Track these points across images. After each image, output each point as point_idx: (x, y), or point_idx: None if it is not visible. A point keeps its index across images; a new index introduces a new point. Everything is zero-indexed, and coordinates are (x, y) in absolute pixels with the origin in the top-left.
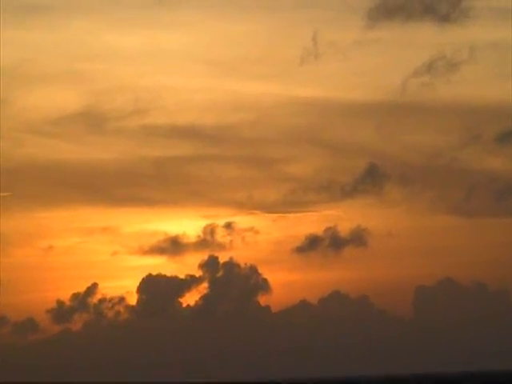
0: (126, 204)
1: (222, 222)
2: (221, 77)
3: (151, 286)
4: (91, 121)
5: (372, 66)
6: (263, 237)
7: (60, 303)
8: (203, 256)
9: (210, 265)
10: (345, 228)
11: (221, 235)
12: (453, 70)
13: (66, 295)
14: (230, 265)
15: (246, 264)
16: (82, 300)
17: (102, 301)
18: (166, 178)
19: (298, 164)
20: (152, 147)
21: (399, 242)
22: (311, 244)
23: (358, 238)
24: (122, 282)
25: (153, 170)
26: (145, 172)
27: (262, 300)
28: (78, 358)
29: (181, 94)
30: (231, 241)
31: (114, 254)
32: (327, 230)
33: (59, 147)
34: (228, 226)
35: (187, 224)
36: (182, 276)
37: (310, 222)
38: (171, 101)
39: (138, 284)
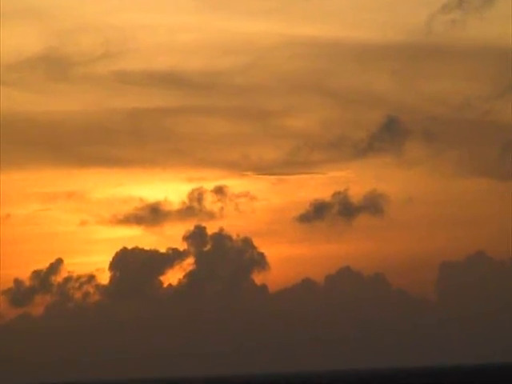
0: (95, 164)
1: (210, 185)
2: (208, 12)
3: (126, 261)
4: (53, 66)
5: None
6: (259, 204)
7: (18, 283)
8: (188, 226)
9: (197, 237)
10: (357, 193)
11: (209, 201)
12: (487, 6)
13: (25, 273)
14: (220, 237)
15: (238, 236)
16: (44, 279)
17: (67, 280)
18: (143, 134)
19: (300, 117)
20: (125, 97)
21: (421, 210)
22: (317, 212)
23: (373, 205)
24: (91, 257)
25: (127, 124)
26: (117, 127)
27: (258, 278)
28: (39, 347)
29: (160, 33)
30: (222, 208)
31: (81, 224)
32: (336, 194)
33: (15, 97)
34: (218, 190)
35: (169, 188)
36: (162, 250)
37: (316, 186)
38: (148, 42)
39: (110, 260)
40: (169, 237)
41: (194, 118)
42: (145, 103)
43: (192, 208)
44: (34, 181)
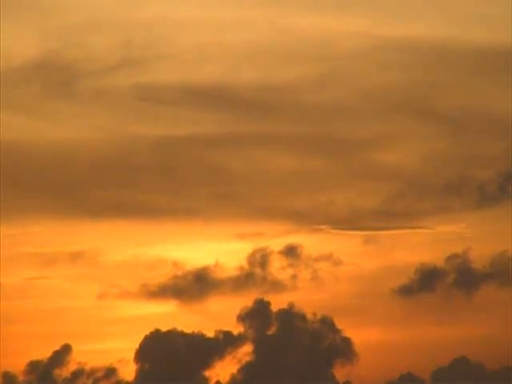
0: (110, 215)
1: (277, 245)
2: (267, 6)
3: (159, 349)
4: (53, 77)
5: None
6: (345, 270)
7: (9, 379)
8: (246, 301)
9: (257, 316)
10: (481, 255)
11: (276, 267)
12: None
13: (18, 365)
14: (290, 315)
15: (315, 314)
16: (44, 373)
17: (77, 374)
18: (177, 173)
19: (396, 150)
20: (152, 121)
21: None
22: (424, 282)
23: (503, 273)
24: (110, 343)
25: (154, 158)
26: (141, 162)
27: (341, 373)
28: None
29: (201, 33)
30: (293, 276)
31: (94, 297)
32: (451, 258)
33: (1, 120)
34: (289, 251)
35: (217, 249)
36: (209, 334)
37: (422, 246)
38: (184, 45)
39: (136, 347)
40: (218, 316)
41: (249, 151)
42: (179, 129)
43: (252, 276)
44: (27, 237)
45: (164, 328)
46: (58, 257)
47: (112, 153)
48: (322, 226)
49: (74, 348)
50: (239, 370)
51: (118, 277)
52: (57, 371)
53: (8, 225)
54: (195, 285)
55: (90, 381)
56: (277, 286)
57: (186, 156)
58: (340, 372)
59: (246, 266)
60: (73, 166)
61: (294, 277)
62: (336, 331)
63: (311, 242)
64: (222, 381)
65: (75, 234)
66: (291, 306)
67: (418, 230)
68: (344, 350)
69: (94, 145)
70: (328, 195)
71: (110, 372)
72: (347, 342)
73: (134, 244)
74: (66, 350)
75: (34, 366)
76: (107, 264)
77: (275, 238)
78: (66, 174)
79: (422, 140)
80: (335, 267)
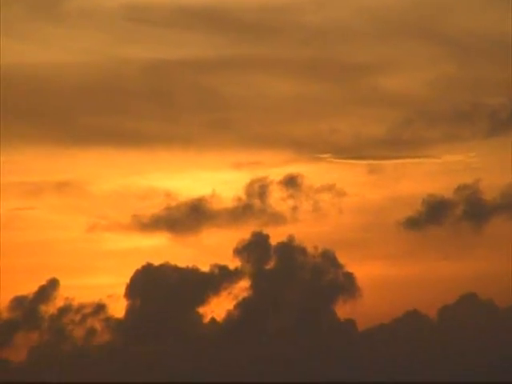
0: (99, 142)
1: (277, 174)
2: None
3: (151, 285)
4: None
5: None
6: (349, 201)
7: None
8: (243, 234)
9: (255, 249)
10: (491, 186)
11: (276, 198)
12: None
13: (1, 301)
14: (289, 249)
15: (316, 248)
16: (29, 309)
17: (64, 311)
18: (171, 98)
19: (402, 74)
20: (144, 43)
21: None
22: (432, 213)
23: None
24: (99, 278)
25: (146, 83)
26: (132, 87)
27: (343, 310)
28: None
29: None
30: (294, 208)
31: (82, 229)
32: (460, 188)
33: None
34: (289, 181)
35: (212, 178)
36: (204, 268)
37: (430, 176)
38: None
39: (127, 282)
40: (214, 249)
41: (245, 75)
42: (173, 53)
43: (249, 207)
44: (9, 166)
45: (156, 262)
46: (43, 186)
47: (100, 77)
48: (324, 155)
49: (62, 283)
50: (235, 307)
51: (108, 208)
52: (43, 307)
53: None
54: (189, 216)
55: (78, 317)
56: (276, 218)
57: (178, 81)
58: (342, 309)
59: (243, 196)
60: (59, 91)
61: (295, 208)
62: (338, 266)
63: (312, 172)
64: (217, 318)
65: (61, 162)
66: (291, 239)
67: (424, 160)
68: (346, 285)
69: (81, 68)
70: (330, 123)
71: (99, 308)
72: (350, 277)
73: (123, 173)
74: (52, 284)
75: (18, 302)
76: (96, 194)
77: (274, 167)
78: (51, 99)
79: (429, 64)
80: (338, 198)
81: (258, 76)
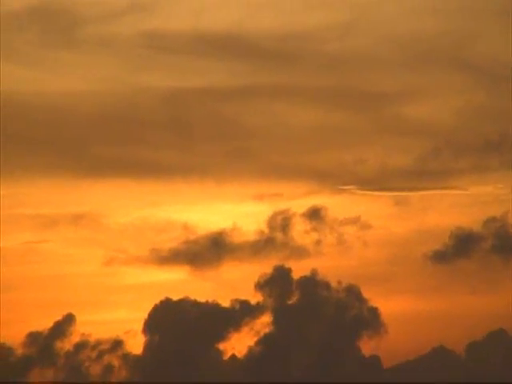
0: (115, 173)
1: (299, 206)
2: None
3: (169, 320)
4: (52, 23)
5: None
6: (374, 234)
7: (6, 351)
8: (264, 268)
9: (277, 284)
10: None
11: (299, 231)
12: None
13: (16, 337)
14: (313, 283)
15: (340, 283)
16: (44, 346)
17: (80, 347)
18: (188, 128)
19: (428, 103)
20: (162, 71)
21: None
22: (460, 247)
23: None
24: (116, 312)
25: (164, 112)
26: (149, 117)
27: (368, 347)
28: None
29: None
30: (317, 242)
31: (100, 262)
32: (489, 221)
33: None
34: (313, 214)
35: (232, 211)
36: (225, 303)
37: (458, 208)
38: None
39: (145, 317)
40: (234, 283)
41: (267, 104)
42: (192, 81)
43: (271, 241)
44: (24, 198)
45: (175, 296)
46: (58, 219)
47: (117, 106)
48: (348, 187)
49: (78, 318)
50: (257, 343)
51: (125, 241)
52: (58, 343)
53: (4, 184)
54: (209, 250)
55: (95, 354)
56: (299, 252)
57: (198, 110)
58: (367, 345)
59: (265, 229)
60: (75, 121)
61: (318, 242)
62: (363, 301)
63: (336, 204)
64: (238, 354)
65: (77, 194)
66: (314, 273)
67: (452, 191)
68: (371, 321)
69: (97, 97)
70: (353, 153)
71: (117, 344)
72: (375, 312)
73: (140, 205)
74: (68, 320)
75: (33, 338)
76: (112, 227)
77: (296, 199)
78: (67, 129)
79: (455, 93)
80: (363, 231)
81: (279, 105)
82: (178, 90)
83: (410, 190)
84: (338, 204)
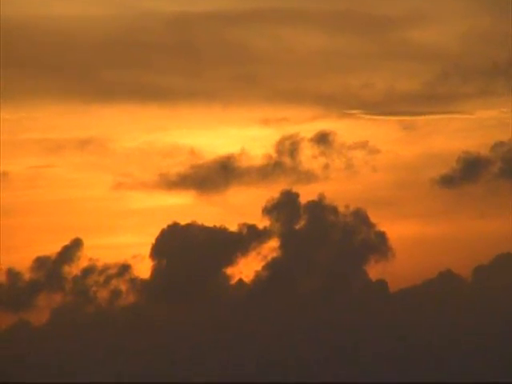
0: (122, 97)
1: (307, 131)
2: None
3: (177, 244)
4: None
5: None
6: (382, 158)
7: (13, 276)
8: (272, 192)
9: (285, 208)
10: None
11: (307, 156)
12: None
13: (23, 261)
14: (320, 208)
15: (348, 207)
16: (51, 270)
17: (88, 271)
18: (195, 53)
19: (432, 26)
20: None
21: None
22: (468, 171)
23: None
24: (124, 237)
25: (169, 35)
26: (155, 39)
27: (375, 271)
28: (40, 372)
29: None
30: (326, 166)
31: (107, 187)
32: (497, 146)
33: None
34: (321, 138)
35: (239, 135)
36: (232, 227)
37: (466, 132)
38: None
39: (152, 241)
40: (242, 208)
41: (273, 29)
42: (198, 5)
43: (280, 165)
44: (30, 122)
45: (183, 221)
46: (64, 144)
47: (124, 30)
48: (352, 111)
49: (85, 243)
50: (264, 268)
51: (131, 166)
52: (66, 268)
53: (10, 108)
54: (217, 174)
55: (102, 278)
56: (306, 177)
57: (204, 34)
58: (373, 270)
59: (273, 154)
60: (81, 44)
61: (326, 166)
62: (370, 225)
63: (344, 129)
64: (245, 279)
65: (83, 119)
66: (322, 197)
67: (458, 116)
68: (378, 245)
69: (104, 21)
70: (361, 77)
71: (124, 269)
72: (382, 236)
73: (147, 130)
74: (76, 244)
75: (41, 263)
76: (118, 152)
77: (302, 123)
78: (73, 53)
79: (461, 17)
80: (371, 156)
81: (285, 29)
82: (185, 14)
83: (417, 114)
84: (346, 129)
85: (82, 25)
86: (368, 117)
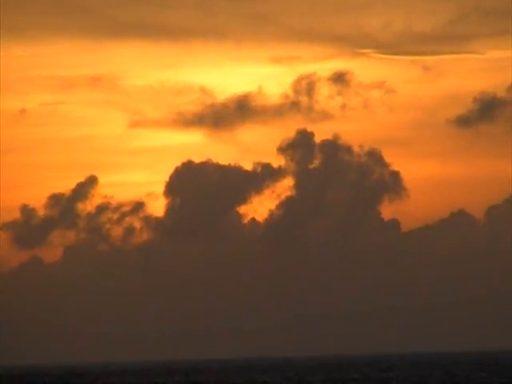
0: (133, 34)
1: (323, 69)
2: None
3: (191, 182)
4: None
5: None
6: (399, 98)
7: (27, 212)
8: (287, 132)
9: (300, 146)
10: None
11: (324, 96)
12: None
13: (37, 198)
14: (334, 147)
15: (362, 146)
16: (65, 207)
17: (102, 209)
18: None
19: None
20: None
21: None
22: (484, 111)
23: None
24: (138, 174)
25: None
26: None
27: (389, 210)
28: (52, 309)
29: None
30: (343, 105)
31: (120, 125)
32: None
33: None
34: (338, 78)
35: (254, 73)
36: (246, 166)
37: (481, 72)
38: None
39: (167, 179)
40: (257, 146)
41: None
42: None
43: (297, 105)
44: (40, 59)
45: (197, 159)
46: (75, 81)
47: None
48: (367, 50)
49: (100, 180)
50: (278, 206)
51: (143, 103)
52: (80, 205)
53: (19, 45)
54: (232, 113)
55: (116, 215)
56: (321, 116)
57: None
58: (387, 209)
59: (290, 93)
60: None
61: (344, 106)
62: (384, 165)
63: (360, 69)
64: (258, 218)
65: (94, 56)
66: (336, 137)
67: (475, 56)
68: (392, 185)
69: None
70: (373, 17)
71: (138, 206)
72: (396, 176)
73: (158, 68)
74: (90, 182)
75: (55, 200)
76: (130, 89)
77: (314, 62)
78: None
79: None
80: (388, 96)
81: None
82: None
83: (433, 54)
84: (360, 68)
85: None
86: (381, 56)
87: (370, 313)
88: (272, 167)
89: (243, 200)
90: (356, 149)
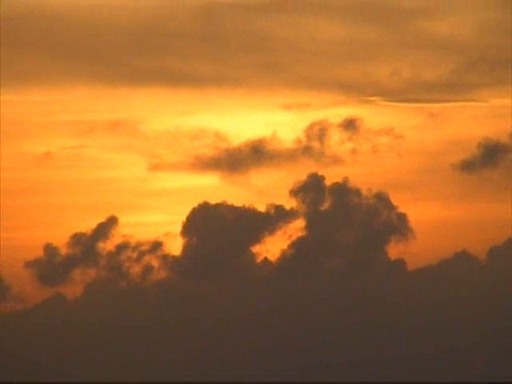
0: (151, 82)
1: (334, 116)
2: None
3: (207, 223)
4: None
5: None
6: (407, 144)
7: (50, 251)
8: (299, 175)
9: (311, 189)
10: None
11: (335, 141)
12: None
13: (60, 237)
14: (344, 190)
15: (370, 190)
16: (88, 245)
17: (121, 248)
18: (220, 39)
19: (448, 19)
20: None
21: None
22: (487, 157)
23: None
24: (156, 216)
25: (196, 23)
26: (182, 27)
27: (395, 251)
28: (75, 343)
29: None
30: (353, 151)
31: (139, 168)
32: None
33: None
34: (349, 124)
35: (263, 120)
36: (260, 208)
37: (486, 119)
38: None
39: (184, 220)
40: (270, 189)
41: (294, 19)
42: None
43: (309, 149)
44: (62, 105)
45: (213, 201)
46: (95, 125)
47: (153, 17)
48: (374, 98)
49: (120, 220)
50: (290, 246)
51: (161, 147)
52: (101, 244)
53: (42, 91)
54: (247, 157)
55: (135, 254)
56: (332, 161)
57: (229, 22)
58: (394, 249)
59: (303, 138)
60: (112, 30)
61: (354, 152)
62: (391, 207)
63: (369, 116)
64: (270, 258)
65: (114, 102)
66: (345, 180)
67: (478, 104)
68: (399, 226)
69: (134, 8)
70: (380, 66)
71: (156, 246)
72: (402, 218)
73: (175, 114)
74: (111, 222)
75: (77, 239)
76: (148, 134)
77: (322, 109)
78: (104, 39)
79: (477, 8)
80: (397, 142)
81: (308, 19)
82: (211, 4)
83: (441, 101)
84: (372, 116)
85: (112, 12)
86: (388, 103)
87: (376, 350)
88: (284, 209)
89: (256, 240)
90: (364, 192)
